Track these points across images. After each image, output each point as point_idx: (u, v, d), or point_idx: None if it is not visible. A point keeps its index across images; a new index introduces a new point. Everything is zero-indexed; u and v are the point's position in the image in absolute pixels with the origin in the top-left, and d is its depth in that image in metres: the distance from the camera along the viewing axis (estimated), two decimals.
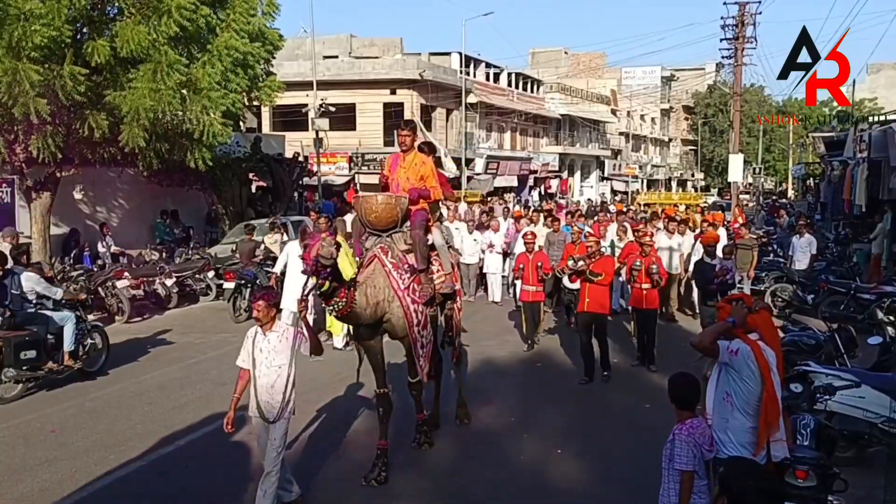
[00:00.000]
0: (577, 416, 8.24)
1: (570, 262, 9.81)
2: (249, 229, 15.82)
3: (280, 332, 5.55)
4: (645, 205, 26.83)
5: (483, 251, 15.30)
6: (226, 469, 6.71)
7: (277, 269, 11.66)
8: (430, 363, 6.97)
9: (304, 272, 5.82)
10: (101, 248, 16.56)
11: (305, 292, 5.73)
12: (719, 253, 10.49)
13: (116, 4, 14.03)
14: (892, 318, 9.23)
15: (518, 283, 11.94)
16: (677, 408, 4.51)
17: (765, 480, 4.39)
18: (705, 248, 10.25)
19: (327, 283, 5.86)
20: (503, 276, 15.45)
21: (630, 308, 11.20)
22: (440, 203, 7.74)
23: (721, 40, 26.88)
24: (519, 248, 12.83)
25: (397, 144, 7.12)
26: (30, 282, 9.07)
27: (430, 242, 7.00)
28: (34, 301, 9.18)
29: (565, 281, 11.47)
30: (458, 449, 7.28)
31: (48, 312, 9.16)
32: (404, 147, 7.08)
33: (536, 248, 11.43)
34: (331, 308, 6.17)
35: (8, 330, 8.70)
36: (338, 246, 5.80)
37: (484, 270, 15.55)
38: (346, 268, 10.86)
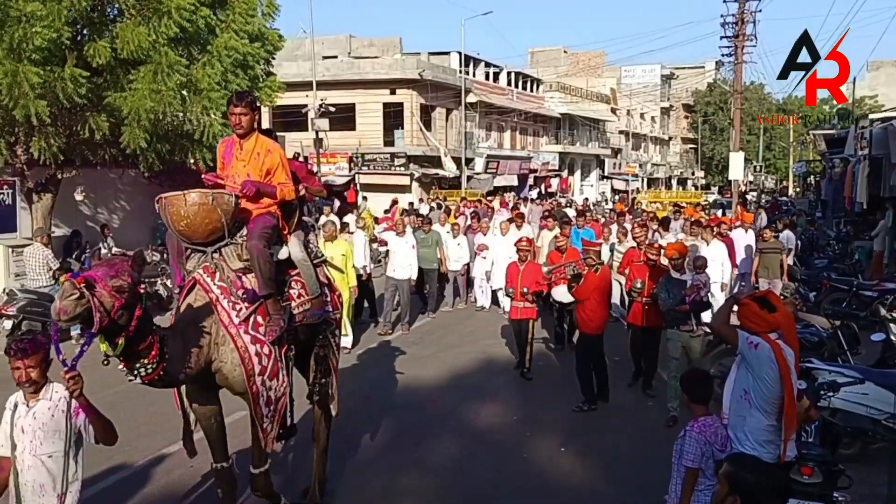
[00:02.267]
0: (580, 414, 8.23)
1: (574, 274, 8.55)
2: None
3: (53, 401, 3.78)
4: (642, 209, 26.57)
5: (473, 255, 14.24)
6: None
7: None
8: (279, 425, 5.16)
9: (82, 334, 4.06)
10: (102, 250, 16.55)
11: (74, 361, 3.67)
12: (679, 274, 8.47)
13: (116, 6, 14.03)
14: (894, 314, 9.21)
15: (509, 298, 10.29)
16: (690, 401, 4.52)
17: (775, 477, 4.39)
18: (671, 260, 8.30)
19: (121, 341, 4.00)
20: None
21: (627, 326, 9.69)
22: (305, 205, 6.09)
23: (721, 38, 26.84)
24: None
25: (231, 127, 5.33)
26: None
27: (283, 256, 5.31)
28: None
29: (556, 294, 10.03)
30: (459, 448, 7.27)
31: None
32: (240, 130, 5.20)
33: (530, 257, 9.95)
34: (132, 376, 4.28)
35: None
36: (133, 282, 3.95)
37: (471, 274, 14.58)
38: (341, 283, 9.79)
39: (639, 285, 8.70)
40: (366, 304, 12.97)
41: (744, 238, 13.64)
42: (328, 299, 5.72)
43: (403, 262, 12.28)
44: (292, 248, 5.39)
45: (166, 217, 4.87)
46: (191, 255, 5.09)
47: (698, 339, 7.95)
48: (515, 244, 10.14)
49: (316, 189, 6.25)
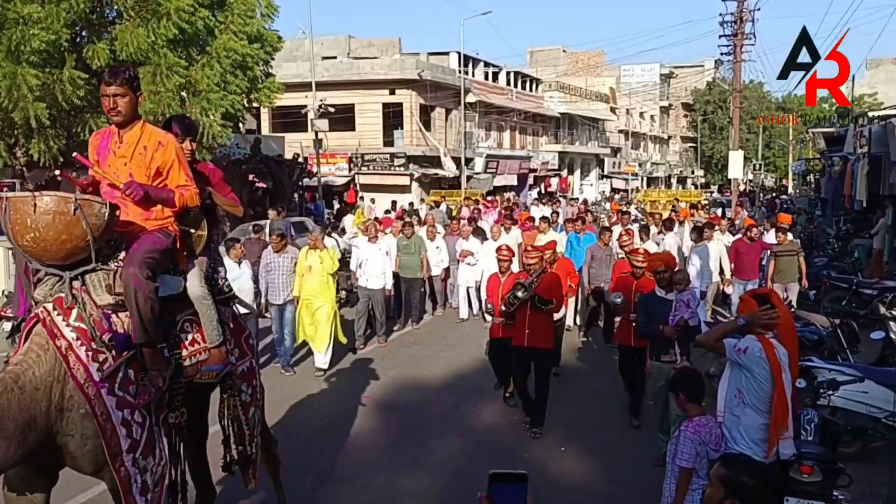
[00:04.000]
0: (581, 414, 8.24)
1: (516, 293, 7.37)
2: (257, 229, 15.53)
3: None
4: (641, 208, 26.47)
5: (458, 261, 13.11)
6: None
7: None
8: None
9: None
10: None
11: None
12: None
13: (115, 7, 14.08)
14: (894, 312, 9.22)
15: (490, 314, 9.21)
16: (686, 401, 4.53)
17: (771, 478, 4.39)
18: (655, 273, 7.02)
19: None
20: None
21: (616, 345, 8.69)
22: (221, 217, 4.92)
23: (720, 37, 26.85)
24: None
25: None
26: None
27: (174, 291, 4.11)
28: None
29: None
30: (461, 448, 7.28)
31: None
32: (116, 116, 3.91)
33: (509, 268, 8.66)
34: None
35: None
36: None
37: (455, 281, 13.43)
38: (318, 290, 9.61)
39: (618, 300, 7.77)
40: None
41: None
42: (233, 347, 4.51)
43: (376, 271, 11.11)
44: (190, 280, 4.16)
45: (6, 226, 3.57)
46: (44, 278, 3.77)
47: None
48: (496, 252, 9.06)
49: (228, 202, 4.70)
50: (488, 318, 9.86)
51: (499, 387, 8.70)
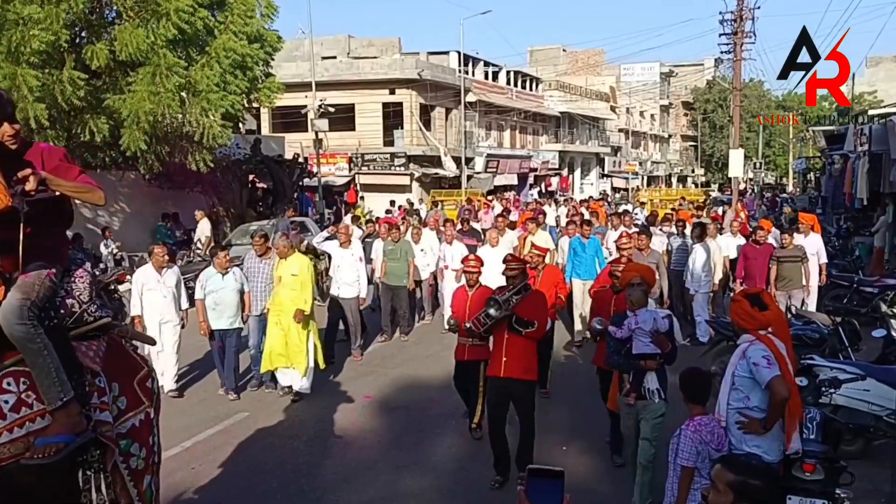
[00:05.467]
0: (582, 413, 8.21)
1: (489, 310, 6.04)
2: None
3: None
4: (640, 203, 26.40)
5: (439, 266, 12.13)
6: (231, 470, 6.70)
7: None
8: None
9: None
10: (103, 251, 16.58)
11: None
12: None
13: (115, 8, 14.07)
14: (895, 310, 9.20)
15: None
16: (686, 400, 4.52)
17: (777, 478, 4.38)
18: (628, 287, 6.02)
19: None
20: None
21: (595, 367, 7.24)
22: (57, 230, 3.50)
23: (720, 35, 26.86)
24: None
25: None
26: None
27: None
28: None
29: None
30: (461, 447, 7.26)
31: None
32: None
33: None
34: None
35: None
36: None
37: (443, 291, 11.85)
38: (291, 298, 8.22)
39: (599, 327, 6.26)
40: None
41: (733, 242, 12.63)
42: (102, 400, 3.25)
43: (349, 278, 10.17)
44: (5, 307, 2.96)
45: None
46: None
47: (651, 411, 5.58)
48: (462, 261, 8.14)
49: (78, 187, 3.41)
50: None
51: (465, 415, 7.56)
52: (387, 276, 11.48)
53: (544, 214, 16.96)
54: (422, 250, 12.22)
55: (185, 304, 9.07)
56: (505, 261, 6.51)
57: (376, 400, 8.65)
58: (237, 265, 9.24)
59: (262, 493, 6.20)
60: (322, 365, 8.87)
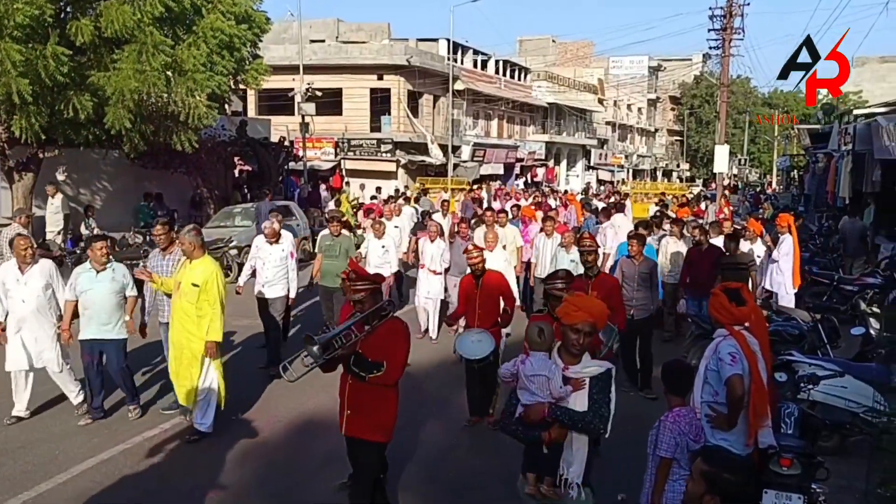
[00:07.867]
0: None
1: (304, 357, 4.69)
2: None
3: None
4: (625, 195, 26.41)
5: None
6: (212, 452, 6.66)
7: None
8: None
9: None
10: (84, 230, 16.39)
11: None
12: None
13: None
14: (874, 309, 9.31)
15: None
16: (666, 392, 4.54)
17: (751, 472, 4.42)
18: (571, 330, 3.95)
19: None
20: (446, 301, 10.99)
21: None
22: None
23: (709, 31, 26.96)
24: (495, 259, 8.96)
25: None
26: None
27: None
28: None
29: None
30: (449, 438, 7.27)
31: None
32: None
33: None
34: None
35: None
36: None
37: (424, 295, 10.67)
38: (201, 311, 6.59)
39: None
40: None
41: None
42: None
43: (272, 276, 8.94)
44: None
45: None
46: None
47: None
48: (464, 252, 7.62)
49: None
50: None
51: (474, 412, 7.42)
52: (322, 275, 9.84)
53: (518, 208, 15.73)
54: (384, 248, 10.78)
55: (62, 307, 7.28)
56: (350, 279, 4.74)
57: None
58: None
59: (241, 480, 6.17)
60: (222, 406, 7.03)
